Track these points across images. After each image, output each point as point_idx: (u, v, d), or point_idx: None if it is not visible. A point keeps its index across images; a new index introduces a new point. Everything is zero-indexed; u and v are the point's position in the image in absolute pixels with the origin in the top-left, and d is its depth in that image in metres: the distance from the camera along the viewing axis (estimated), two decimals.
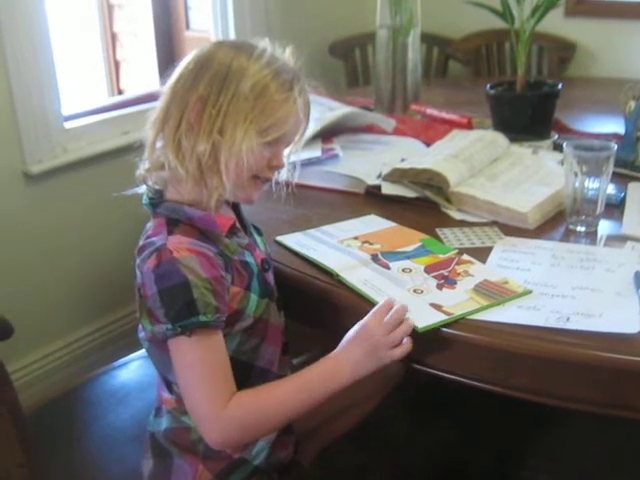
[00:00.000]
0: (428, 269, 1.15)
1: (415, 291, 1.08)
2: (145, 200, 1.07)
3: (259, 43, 1.06)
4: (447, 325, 1.01)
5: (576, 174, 1.26)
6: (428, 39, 2.78)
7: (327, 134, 1.68)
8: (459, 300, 1.06)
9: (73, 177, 2.13)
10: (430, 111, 1.91)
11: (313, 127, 1.60)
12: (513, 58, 1.86)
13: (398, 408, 1.61)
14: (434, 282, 1.11)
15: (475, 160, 1.46)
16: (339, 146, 1.64)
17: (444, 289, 1.09)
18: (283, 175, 1.15)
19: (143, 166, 1.08)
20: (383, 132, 1.76)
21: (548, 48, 2.81)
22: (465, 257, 1.18)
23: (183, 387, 1.01)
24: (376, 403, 1.36)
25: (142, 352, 1.38)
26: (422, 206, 1.40)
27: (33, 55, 1.95)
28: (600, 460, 1.60)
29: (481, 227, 1.31)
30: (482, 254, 1.20)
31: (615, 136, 1.64)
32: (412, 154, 1.57)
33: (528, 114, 1.66)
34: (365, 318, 1.02)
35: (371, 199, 1.45)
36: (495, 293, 1.07)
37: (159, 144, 1.05)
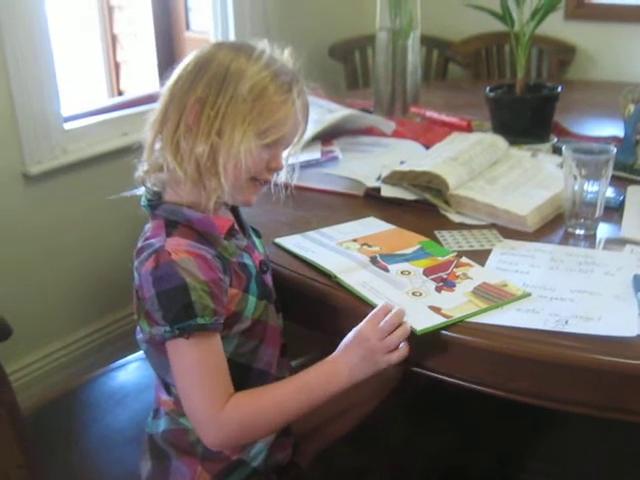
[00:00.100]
0: (427, 272, 1.15)
1: (414, 294, 1.08)
2: (144, 202, 1.07)
3: (258, 44, 1.05)
4: (446, 328, 1.00)
5: (575, 177, 1.26)
6: (428, 42, 2.79)
7: (327, 136, 1.68)
8: (458, 303, 1.05)
9: (72, 178, 2.13)
10: (430, 114, 1.91)
11: (313, 129, 1.60)
12: (513, 61, 1.86)
13: (397, 411, 1.61)
14: (433, 285, 1.11)
15: (474, 163, 1.46)
16: (338, 148, 1.64)
17: (443, 292, 1.09)
18: (282, 177, 1.15)
19: (142, 168, 1.07)
20: (382, 134, 1.76)
21: (548, 51, 2.81)
22: (464, 260, 1.18)
23: (181, 389, 1.01)
24: (375, 406, 1.36)
25: (140, 354, 1.38)
26: (421, 209, 1.40)
27: (33, 56, 1.95)
28: (600, 463, 1.60)
29: (480, 230, 1.31)
30: (481, 257, 1.19)
31: (614, 139, 1.64)
32: (411, 157, 1.57)
33: (527, 117, 1.66)
34: (361, 323, 1.01)
35: (370, 201, 1.45)
36: (494, 296, 1.07)
37: (158, 146, 1.05)
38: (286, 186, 1.16)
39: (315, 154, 1.57)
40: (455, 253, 1.21)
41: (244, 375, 1.07)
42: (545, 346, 0.96)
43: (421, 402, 1.74)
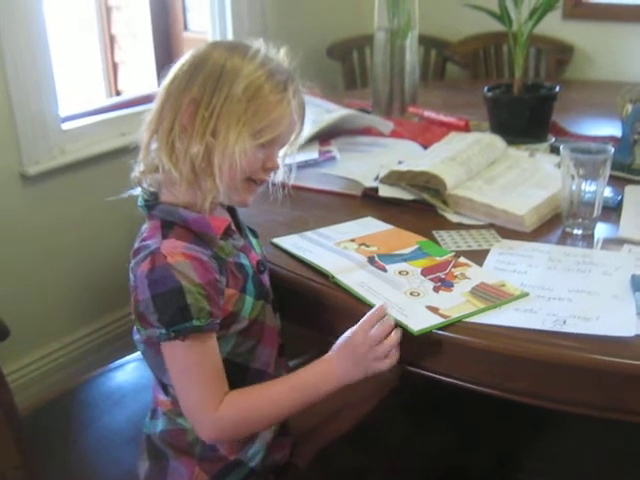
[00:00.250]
0: (425, 272, 1.15)
1: (412, 294, 1.08)
2: (140, 202, 1.07)
3: (253, 44, 1.05)
4: (444, 328, 1.00)
5: (573, 177, 1.26)
6: (426, 41, 2.79)
7: (324, 136, 1.68)
8: (456, 303, 1.05)
9: (70, 178, 2.13)
10: (428, 114, 1.91)
11: (310, 129, 1.60)
12: (511, 61, 1.86)
13: (396, 411, 1.60)
14: (431, 285, 1.11)
15: (472, 163, 1.46)
16: (336, 148, 1.64)
17: (441, 292, 1.09)
18: (279, 177, 1.14)
19: (138, 168, 1.07)
20: (380, 134, 1.76)
21: (546, 51, 2.81)
22: (462, 260, 1.18)
23: (177, 389, 1.02)
24: (373, 405, 1.36)
25: (138, 354, 1.38)
26: (419, 209, 1.40)
27: (31, 56, 1.95)
28: (599, 463, 1.60)
29: (478, 230, 1.31)
30: (479, 257, 1.19)
31: (612, 139, 1.64)
32: (409, 156, 1.57)
33: (525, 117, 1.66)
34: (354, 327, 1.01)
35: (368, 201, 1.45)
36: (492, 296, 1.07)
37: (154, 146, 1.04)
38: (283, 186, 1.16)
39: (313, 154, 1.57)
40: (453, 253, 1.20)
41: (241, 375, 1.07)
42: (543, 346, 0.96)
43: (420, 402, 1.74)
